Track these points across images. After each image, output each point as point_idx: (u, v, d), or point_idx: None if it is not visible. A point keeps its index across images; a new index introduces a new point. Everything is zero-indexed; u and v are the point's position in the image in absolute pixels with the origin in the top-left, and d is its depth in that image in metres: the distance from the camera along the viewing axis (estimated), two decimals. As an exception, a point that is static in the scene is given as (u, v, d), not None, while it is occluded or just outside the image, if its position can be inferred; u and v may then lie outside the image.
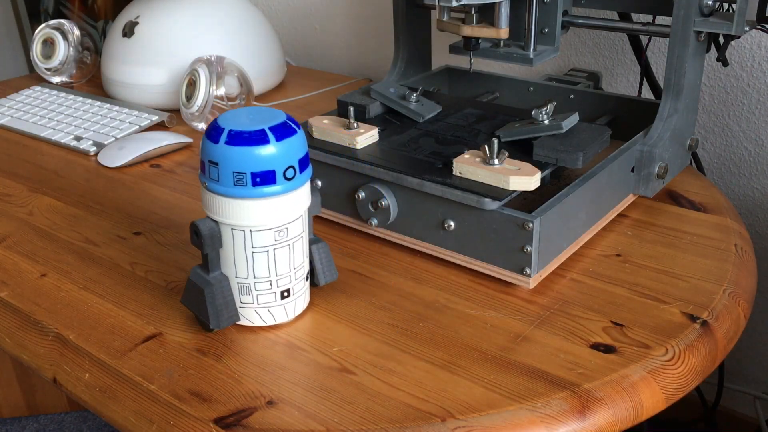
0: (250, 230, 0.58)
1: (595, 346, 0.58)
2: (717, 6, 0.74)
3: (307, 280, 0.63)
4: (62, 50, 1.24)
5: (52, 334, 0.63)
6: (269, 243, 0.58)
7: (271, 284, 0.60)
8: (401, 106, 0.81)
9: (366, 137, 0.74)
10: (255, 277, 0.59)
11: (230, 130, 0.56)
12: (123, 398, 0.56)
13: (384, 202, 0.69)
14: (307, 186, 0.60)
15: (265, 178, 0.56)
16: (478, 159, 0.67)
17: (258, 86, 1.17)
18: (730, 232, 0.72)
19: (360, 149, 0.73)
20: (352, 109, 0.76)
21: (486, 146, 0.66)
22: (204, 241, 0.58)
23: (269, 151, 0.56)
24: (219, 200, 0.57)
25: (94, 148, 0.99)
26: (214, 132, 0.56)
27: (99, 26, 1.55)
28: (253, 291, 0.60)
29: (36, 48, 1.26)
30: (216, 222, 0.58)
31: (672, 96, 0.77)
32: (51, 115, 1.11)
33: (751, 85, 0.96)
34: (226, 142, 0.56)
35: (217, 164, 0.56)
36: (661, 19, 0.91)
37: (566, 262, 0.69)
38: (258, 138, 0.55)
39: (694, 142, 0.82)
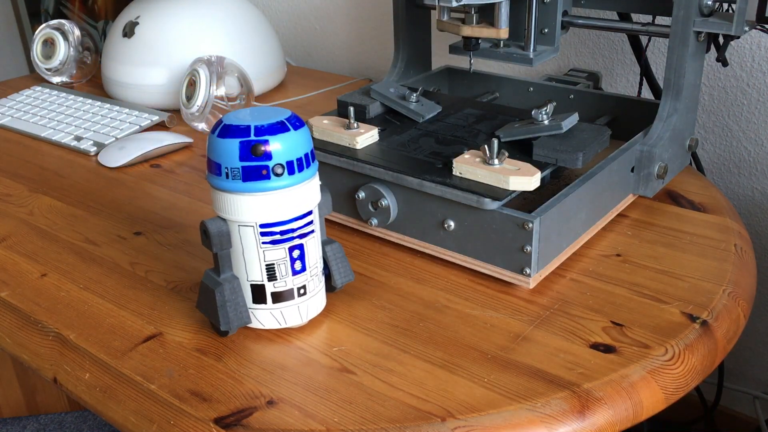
0: (259, 225, 0.55)
1: (595, 346, 0.58)
2: (717, 6, 0.74)
3: (321, 281, 0.61)
4: (62, 50, 1.24)
5: (53, 334, 0.63)
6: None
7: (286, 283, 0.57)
8: (401, 106, 0.81)
9: (366, 137, 0.74)
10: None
11: (228, 125, 0.54)
12: (123, 398, 0.56)
13: (384, 202, 0.69)
14: (314, 183, 0.57)
15: (261, 172, 0.54)
16: (478, 159, 0.67)
17: (258, 86, 1.17)
18: (729, 232, 0.72)
19: (360, 149, 0.73)
20: (352, 109, 0.76)
21: (486, 146, 0.66)
22: (212, 240, 0.55)
23: (273, 144, 0.54)
24: (222, 196, 0.55)
25: (95, 148, 0.99)
26: (215, 127, 0.55)
27: (99, 26, 1.55)
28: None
29: (36, 48, 1.26)
30: (224, 220, 0.56)
31: (672, 96, 0.77)
32: (51, 115, 1.11)
33: (750, 85, 0.96)
34: (220, 136, 0.54)
35: (218, 161, 0.55)
36: (660, 19, 0.91)
37: (566, 262, 0.69)
38: (246, 132, 0.54)
39: (693, 142, 0.82)
